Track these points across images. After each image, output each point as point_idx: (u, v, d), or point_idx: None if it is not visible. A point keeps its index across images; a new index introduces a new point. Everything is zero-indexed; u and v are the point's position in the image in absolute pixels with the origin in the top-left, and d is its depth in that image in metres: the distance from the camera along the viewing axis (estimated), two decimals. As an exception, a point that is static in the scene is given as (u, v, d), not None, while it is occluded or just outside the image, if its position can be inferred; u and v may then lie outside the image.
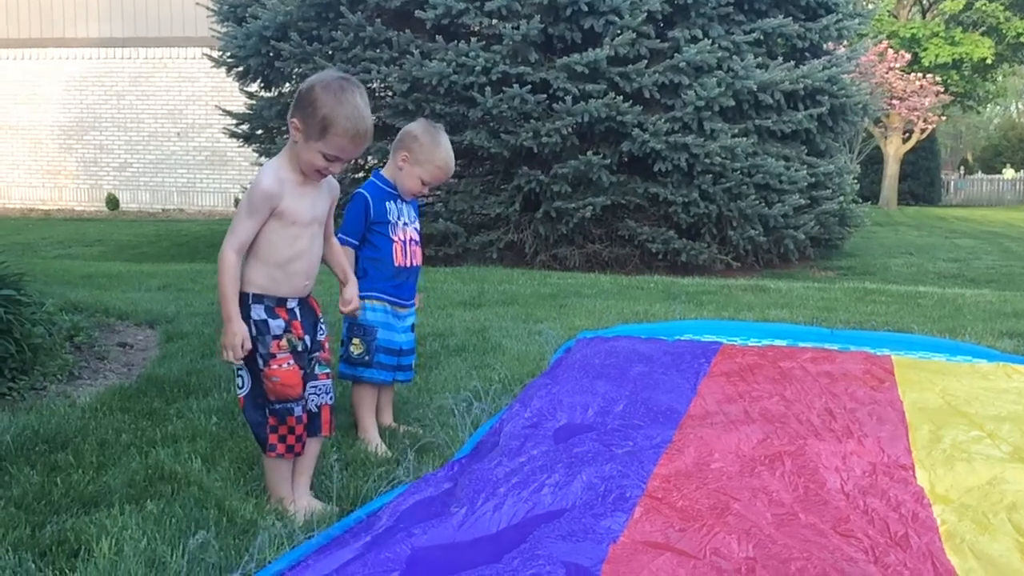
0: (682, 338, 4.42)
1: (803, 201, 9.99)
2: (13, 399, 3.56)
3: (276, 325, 2.43)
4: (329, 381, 2.59)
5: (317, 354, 2.56)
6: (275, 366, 2.41)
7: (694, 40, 9.47)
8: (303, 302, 2.53)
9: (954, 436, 2.93)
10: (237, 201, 18.33)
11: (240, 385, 2.48)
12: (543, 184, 9.52)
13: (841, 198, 10.87)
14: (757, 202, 9.63)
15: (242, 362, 2.42)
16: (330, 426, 2.58)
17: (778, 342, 4.35)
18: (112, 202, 19.53)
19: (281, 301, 2.45)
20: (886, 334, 4.70)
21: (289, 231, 2.41)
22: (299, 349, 2.47)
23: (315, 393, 2.54)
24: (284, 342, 2.44)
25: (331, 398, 2.58)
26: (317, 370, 2.55)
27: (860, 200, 12.32)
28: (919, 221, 20.01)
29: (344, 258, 2.79)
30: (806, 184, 9.96)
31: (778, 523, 2.23)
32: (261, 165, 12.00)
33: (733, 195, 9.63)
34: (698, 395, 3.37)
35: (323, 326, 2.62)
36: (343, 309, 2.77)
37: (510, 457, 2.65)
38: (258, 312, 2.42)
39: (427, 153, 3.10)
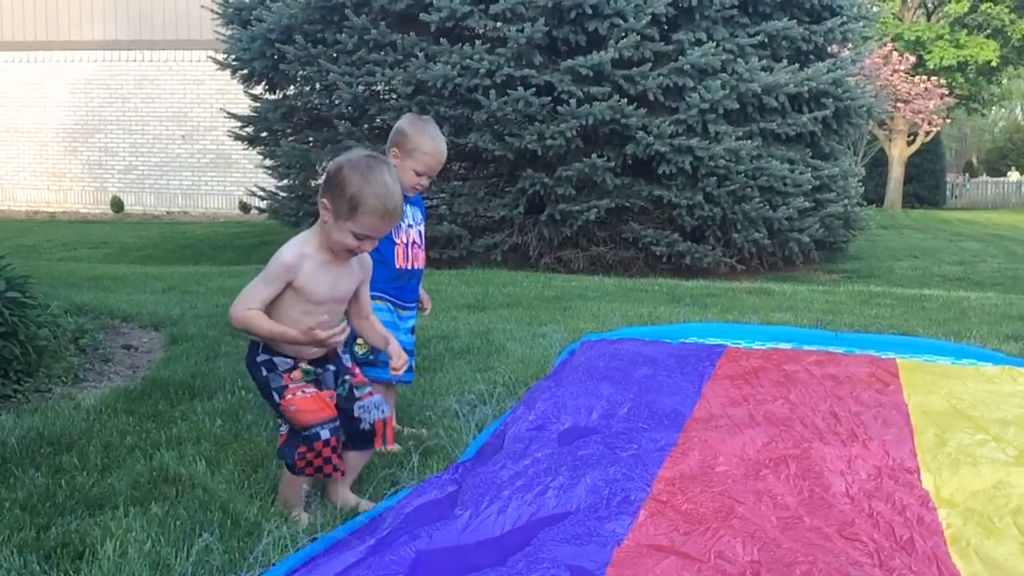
0: (686, 341, 4.42)
1: (807, 204, 9.98)
2: (18, 401, 3.57)
3: (283, 361, 2.44)
4: (376, 397, 2.58)
5: (350, 378, 2.56)
6: (289, 396, 2.41)
7: (698, 43, 9.47)
8: (318, 363, 2.51)
9: (959, 439, 2.92)
10: (241, 203, 18.39)
11: (279, 426, 2.52)
12: (547, 187, 9.52)
13: (845, 201, 10.85)
14: (761, 205, 9.62)
15: (270, 406, 2.47)
16: (383, 439, 2.58)
17: (783, 345, 4.35)
18: (117, 204, 19.58)
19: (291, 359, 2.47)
20: (891, 337, 4.70)
21: (301, 306, 2.39)
22: (319, 374, 2.47)
23: (365, 411, 2.54)
24: (296, 373, 2.44)
25: (383, 412, 2.57)
26: (357, 392, 2.55)
27: (864, 203, 12.31)
28: (924, 224, 19.98)
29: (379, 330, 2.65)
30: (810, 187, 9.95)
31: (783, 527, 2.23)
32: (266, 168, 12.07)
33: (737, 198, 9.62)
34: (703, 398, 3.37)
35: (347, 356, 2.61)
36: (393, 373, 2.66)
37: (514, 460, 2.65)
38: (264, 356, 2.43)
39: (414, 143, 3.09)
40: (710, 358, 3.97)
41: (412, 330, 3.29)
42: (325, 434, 2.42)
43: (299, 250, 2.39)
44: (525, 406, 3.22)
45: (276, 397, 2.42)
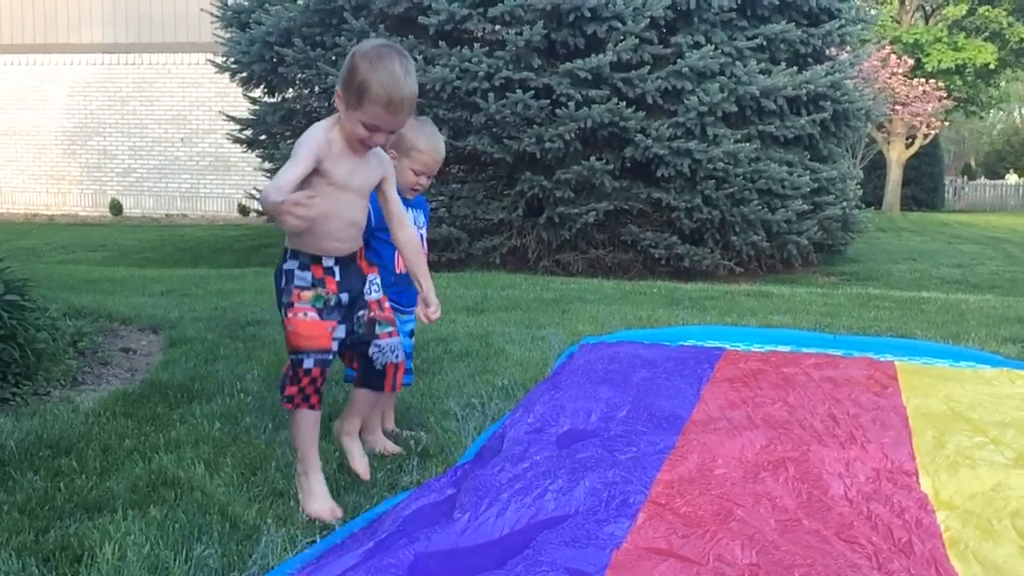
0: (685, 344, 4.42)
1: (806, 206, 9.99)
2: (17, 404, 3.57)
3: (302, 277, 2.43)
4: (394, 340, 2.57)
5: (375, 313, 2.54)
6: (290, 315, 2.41)
7: (697, 46, 9.48)
8: (346, 262, 2.49)
9: (958, 442, 2.92)
10: (240, 206, 18.39)
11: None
12: (546, 189, 9.52)
13: (844, 203, 10.87)
14: (760, 207, 9.63)
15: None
16: (393, 383, 2.58)
17: (781, 348, 4.35)
18: (116, 207, 19.58)
19: (316, 259, 2.44)
20: (889, 340, 4.70)
21: (322, 191, 2.36)
22: (330, 303, 2.44)
23: (379, 352, 2.53)
24: (307, 294, 2.42)
25: (397, 356, 2.57)
26: (378, 330, 2.54)
27: (863, 205, 12.32)
28: (922, 226, 19.99)
29: (414, 255, 2.65)
30: (809, 189, 9.96)
31: (781, 529, 2.23)
32: (265, 171, 12.09)
33: (736, 200, 9.63)
34: (701, 401, 3.37)
35: (376, 285, 2.59)
36: (425, 318, 2.64)
37: (513, 463, 2.65)
38: (290, 264, 2.44)
39: (411, 142, 3.08)
40: (709, 361, 3.97)
41: (411, 333, 3.29)
42: (309, 363, 2.40)
43: (325, 135, 2.38)
44: (524, 409, 3.23)
45: (283, 312, 2.43)
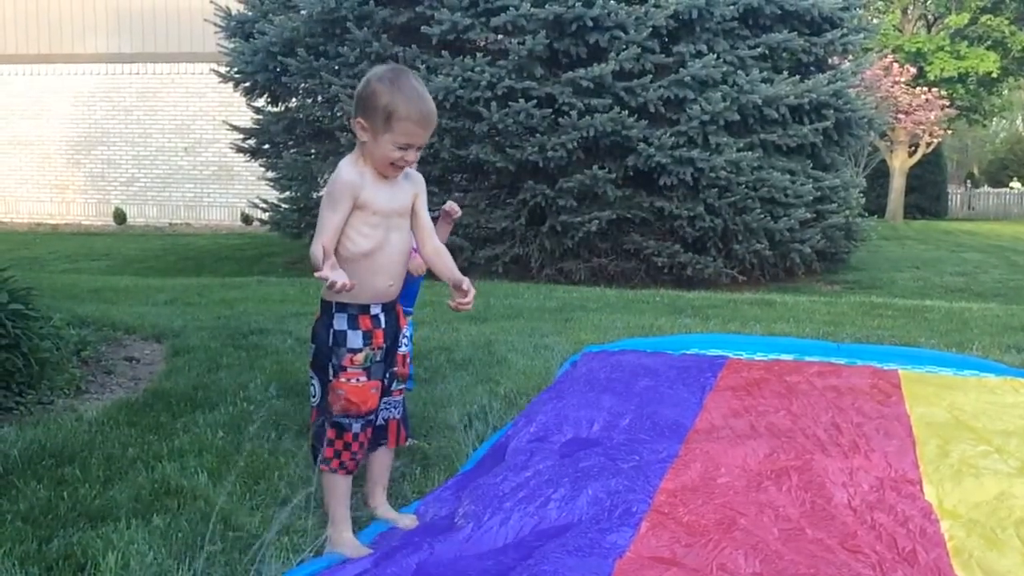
0: (688, 352, 4.41)
1: (809, 215, 9.99)
2: (20, 413, 3.57)
3: (354, 337, 2.37)
4: (401, 397, 2.57)
5: (397, 369, 2.51)
6: (343, 379, 2.35)
7: (699, 55, 9.50)
8: (389, 310, 2.45)
9: (962, 451, 2.92)
10: (243, 215, 18.41)
11: (312, 395, 2.44)
12: (549, 198, 9.54)
13: (847, 212, 10.87)
14: (763, 216, 9.63)
15: (314, 372, 2.41)
16: (396, 438, 2.56)
17: (784, 356, 4.34)
18: (119, 216, 19.60)
19: (364, 308, 2.39)
20: (893, 348, 4.69)
21: (368, 221, 2.36)
22: (376, 360, 2.40)
23: (385, 408, 2.50)
24: (359, 357, 2.37)
25: (398, 412, 2.56)
26: (393, 386, 2.52)
27: (866, 214, 12.32)
28: (925, 235, 19.95)
29: (447, 262, 2.55)
30: (812, 198, 9.96)
31: (785, 538, 2.23)
32: (268, 180, 12.06)
33: (739, 209, 9.63)
34: (704, 409, 3.37)
35: (406, 339, 2.57)
36: (459, 302, 2.47)
37: (516, 472, 2.65)
38: (340, 322, 2.37)
39: None
40: (712, 369, 3.96)
41: (410, 339, 3.28)
42: (356, 428, 2.37)
43: (355, 168, 2.37)
44: (526, 418, 3.22)
45: (331, 372, 2.37)
